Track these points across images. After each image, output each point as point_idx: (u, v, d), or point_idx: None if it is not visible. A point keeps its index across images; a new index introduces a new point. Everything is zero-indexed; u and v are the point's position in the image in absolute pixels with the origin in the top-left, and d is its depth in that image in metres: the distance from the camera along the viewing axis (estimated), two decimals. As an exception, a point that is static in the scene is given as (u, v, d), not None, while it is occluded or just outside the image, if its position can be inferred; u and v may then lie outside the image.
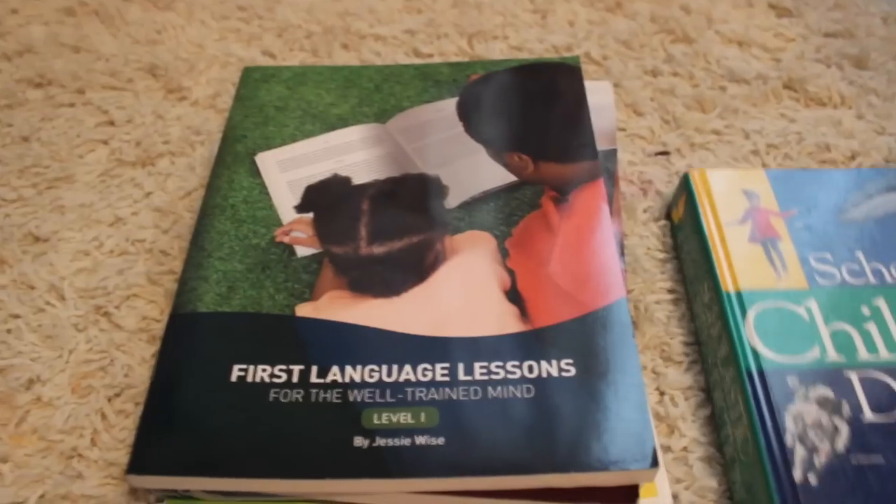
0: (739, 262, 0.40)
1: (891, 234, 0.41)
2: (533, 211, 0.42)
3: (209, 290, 0.39)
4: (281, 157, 0.45)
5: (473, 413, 0.34)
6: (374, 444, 0.33)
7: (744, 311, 0.38)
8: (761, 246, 0.41)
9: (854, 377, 0.36)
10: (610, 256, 0.39)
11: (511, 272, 0.39)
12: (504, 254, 0.40)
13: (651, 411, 0.39)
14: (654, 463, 0.32)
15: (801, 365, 0.36)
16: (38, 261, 0.46)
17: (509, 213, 0.42)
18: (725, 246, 0.41)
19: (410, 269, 0.39)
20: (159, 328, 0.43)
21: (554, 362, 0.35)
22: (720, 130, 0.53)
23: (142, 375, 0.41)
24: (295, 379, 0.35)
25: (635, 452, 0.32)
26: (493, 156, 0.45)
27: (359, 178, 0.44)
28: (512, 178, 0.43)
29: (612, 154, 0.48)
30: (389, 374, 0.35)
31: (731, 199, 0.43)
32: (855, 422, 0.34)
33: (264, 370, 0.36)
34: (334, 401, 0.35)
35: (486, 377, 0.35)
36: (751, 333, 0.37)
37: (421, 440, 0.33)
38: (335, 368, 0.36)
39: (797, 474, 0.33)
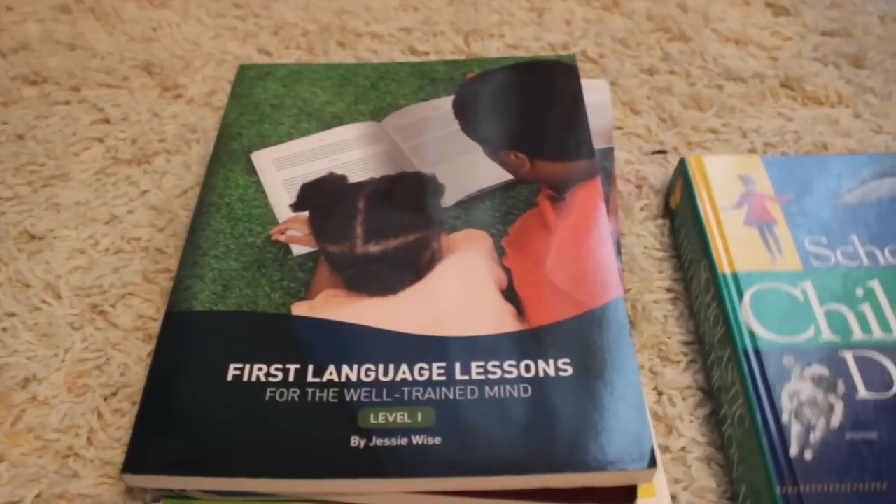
0: (735, 245, 0.41)
1: (885, 219, 0.42)
2: (529, 209, 0.42)
3: (205, 288, 0.39)
4: (277, 156, 0.45)
5: (470, 413, 0.34)
6: (371, 444, 0.33)
7: (740, 293, 0.39)
8: (757, 229, 0.42)
9: (849, 356, 0.36)
10: (607, 255, 0.39)
11: (508, 271, 0.39)
12: (500, 252, 0.40)
13: (649, 411, 0.39)
14: (652, 463, 0.32)
15: (797, 344, 0.37)
16: (34, 259, 0.46)
17: (506, 212, 0.42)
18: (721, 229, 0.42)
19: (406, 267, 0.39)
20: (155, 327, 0.43)
21: (551, 362, 0.35)
22: (717, 129, 0.53)
23: (138, 374, 0.41)
24: (291, 378, 0.35)
25: (633, 452, 0.32)
26: (489, 154, 0.45)
27: (355, 177, 0.43)
28: (508, 176, 0.43)
29: (608, 152, 0.48)
30: (386, 374, 0.35)
31: (727, 183, 0.44)
32: (849, 399, 0.35)
33: (260, 369, 0.36)
34: (331, 400, 0.34)
35: (482, 377, 0.35)
36: (747, 314, 0.38)
37: (417, 440, 0.33)
38: (331, 367, 0.36)
39: (793, 450, 0.34)
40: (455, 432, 0.33)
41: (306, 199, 0.42)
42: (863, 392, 0.35)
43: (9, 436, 0.39)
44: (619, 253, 0.43)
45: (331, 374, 0.35)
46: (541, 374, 0.35)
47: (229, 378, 0.35)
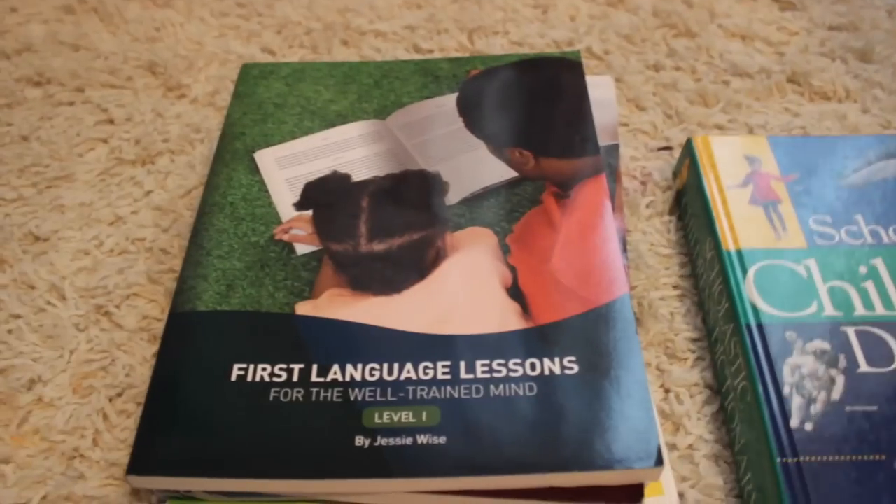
0: (740, 223, 0.41)
1: (890, 199, 0.43)
2: (534, 207, 0.41)
3: (208, 288, 0.39)
4: (280, 154, 0.45)
5: (475, 412, 0.34)
6: (376, 444, 0.33)
7: (744, 269, 0.40)
8: (762, 208, 0.42)
9: (850, 332, 0.37)
10: (612, 252, 0.39)
11: (512, 269, 0.39)
12: (505, 250, 0.39)
13: (656, 409, 0.39)
14: (659, 461, 0.32)
15: (800, 319, 0.38)
16: (39, 260, 0.46)
17: (510, 209, 0.41)
18: (727, 207, 0.42)
19: (411, 266, 0.39)
20: (160, 327, 0.43)
21: (556, 360, 0.35)
22: (723, 125, 0.52)
23: (143, 375, 0.41)
24: (295, 378, 0.35)
25: (639, 451, 0.32)
26: (493, 151, 0.44)
27: (358, 175, 0.43)
28: (513, 173, 0.43)
29: (614, 149, 0.48)
30: (390, 373, 0.35)
31: (732, 163, 0.44)
32: (850, 373, 0.36)
33: (264, 369, 0.36)
34: (335, 400, 0.34)
35: (487, 375, 0.35)
36: (750, 290, 0.39)
37: (422, 439, 0.33)
38: (336, 367, 0.35)
39: (794, 422, 0.34)
40: (460, 431, 0.33)
41: (310, 198, 0.42)
42: (864, 366, 0.36)
43: (15, 437, 0.39)
44: (624, 250, 0.43)
45: (335, 373, 0.35)
46: (546, 372, 0.35)
47: (233, 378, 0.35)
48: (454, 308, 0.37)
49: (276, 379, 0.35)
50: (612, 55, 0.57)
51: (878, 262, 0.40)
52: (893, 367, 0.36)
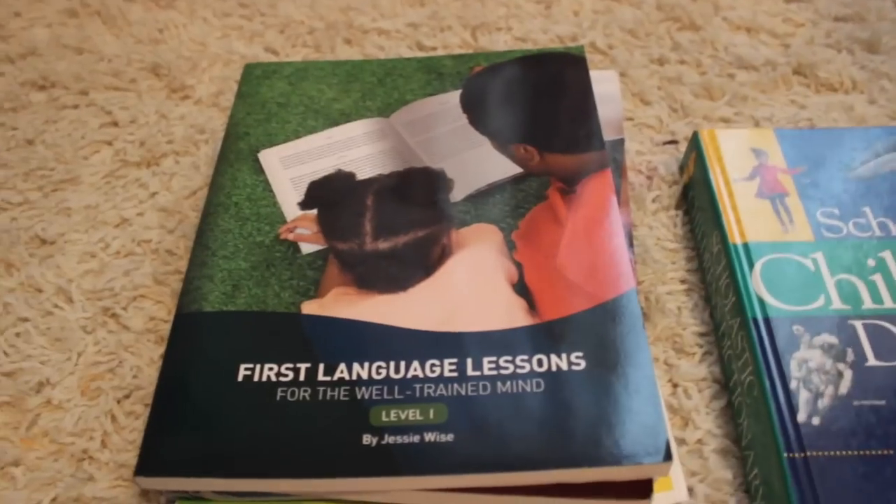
0: (747, 216, 0.41)
1: None
2: (539, 203, 0.41)
3: (214, 289, 0.39)
4: (284, 154, 0.45)
5: (483, 408, 0.33)
6: (383, 442, 0.33)
7: (751, 262, 0.39)
8: (769, 201, 0.42)
9: (858, 325, 0.37)
10: (619, 247, 0.39)
11: (518, 265, 0.39)
12: (511, 246, 0.39)
13: (664, 404, 0.39)
14: (668, 456, 0.32)
15: (807, 313, 0.37)
16: (45, 263, 0.46)
17: (516, 206, 0.41)
18: (733, 200, 0.42)
19: (416, 263, 0.39)
20: (167, 328, 0.43)
21: (564, 356, 0.35)
22: (729, 118, 0.52)
23: (150, 376, 0.41)
24: (302, 377, 0.35)
25: (648, 446, 0.32)
26: (498, 148, 0.44)
27: (363, 174, 0.43)
28: (518, 169, 0.43)
29: (619, 144, 0.47)
30: (397, 371, 0.35)
31: (739, 156, 0.44)
32: (858, 367, 0.35)
33: (271, 369, 0.35)
34: (342, 399, 0.34)
35: (494, 372, 0.35)
36: (757, 283, 0.38)
37: (430, 437, 0.33)
38: (342, 366, 0.35)
39: (801, 416, 0.34)
40: (468, 428, 0.33)
41: (314, 197, 0.42)
42: (872, 360, 0.36)
43: (24, 440, 0.39)
44: (631, 245, 0.43)
45: (342, 372, 0.35)
46: (553, 368, 0.35)
47: (240, 378, 0.35)
48: (460, 305, 0.37)
49: (282, 378, 0.35)
50: (617, 50, 0.57)
51: (887, 255, 0.39)
52: None
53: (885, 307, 0.37)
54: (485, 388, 0.34)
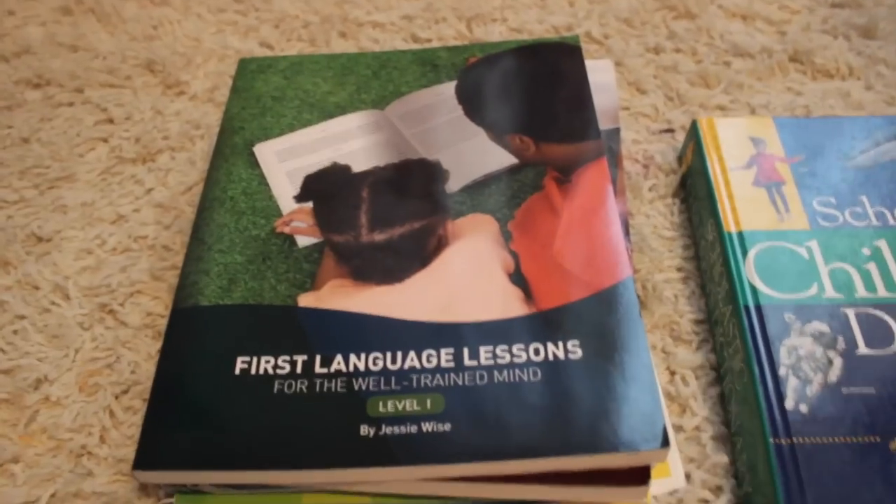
0: (742, 205, 0.41)
1: None
2: (535, 192, 0.41)
3: (210, 283, 0.39)
4: (279, 148, 0.45)
5: (480, 398, 0.33)
6: (381, 433, 0.33)
7: (744, 250, 0.39)
8: (765, 189, 0.42)
9: (850, 313, 0.37)
10: (615, 235, 0.38)
11: (515, 255, 0.38)
12: (507, 236, 0.39)
13: (662, 391, 0.39)
14: (665, 443, 0.32)
15: (799, 301, 0.37)
16: (42, 261, 0.46)
17: (511, 196, 0.41)
18: (730, 189, 0.42)
19: (412, 255, 0.39)
20: (164, 324, 0.43)
21: (560, 344, 0.35)
22: (725, 106, 0.52)
23: (148, 371, 0.41)
24: (299, 369, 0.35)
25: (645, 433, 0.32)
26: (493, 138, 0.44)
27: (358, 166, 0.43)
28: (513, 160, 0.43)
29: (615, 133, 0.47)
30: (394, 362, 0.35)
31: (737, 145, 0.44)
32: (848, 355, 0.36)
33: (268, 362, 0.35)
34: (339, 390, 0.34)
35: (491, 361, 0.35)
36: (750, 271, 0.38)
37: (427, 427, 0.33)
38: (339, 357, 0.35)
39: (788, 403, 0.34)
40: (465, 418, 0.33)
41: (310, 190, 0.42)
42: (863, 348, 0.36)
43: (23, 437, 0.39)
44: (627, 233, 0.43)
45: (338, 364, 0.35)
46: (550, 357, 0.35)
47: (237, 372, 0.35)
48: (457, 296, 0.37)
49: (279, 371, 0.35)
50: (612, 39, 0.57)
51: (882, 244, 0.39)
52: (893, 348, 0.36)
53: (878, 296, 0.37)
54: (482, 377, 0.34)
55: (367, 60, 0.50)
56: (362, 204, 0.41)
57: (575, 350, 0.35)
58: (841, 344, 0.36)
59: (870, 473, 0.32)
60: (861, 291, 0.38)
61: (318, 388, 0.34)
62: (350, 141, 0.45)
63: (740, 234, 0.40)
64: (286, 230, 0.41)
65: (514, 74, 0.47)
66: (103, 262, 0.46)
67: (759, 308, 0.37)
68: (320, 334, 0.36)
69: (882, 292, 0.38)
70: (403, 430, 0.33)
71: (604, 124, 0.48)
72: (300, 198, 0.42)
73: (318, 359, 0.35)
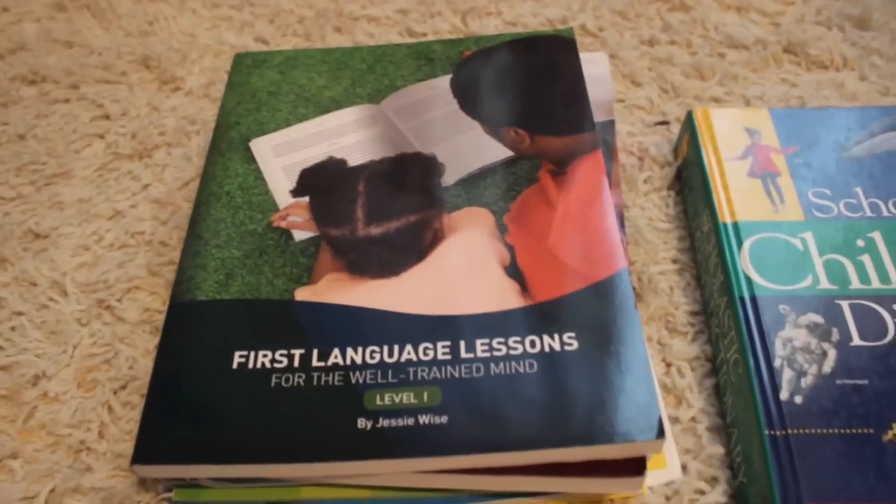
0: (737, 195, 0.41)
1: (891, 171, 0.42)
2: (531, 185, 0.41)
3: (207, 277, 0.39)
4: (275, 142, 0.45)
5: (476, 390, 0.34)
6: (378, 425, 0.33)
7: (740, 241, 0.39)
8: (760, 180, 0.42)
9: (845, 305, 0.37)
10: (610, 228, 0.39)
11: (510, 247, 0.39)
12: (503, 229, 0.39)
13: (658, 383, 0.39)
14: (661, 434, 0.32)
15: (794, 292, 0.37)
16: (39, 257, 0.46)
17: (507, 189, 0.41)
18: (725, 180, 0.42)
19: (409, 248, 0.39)
20: (161, 319, 0.43)
21: (556, 336, 0.35)
22: (720, 97, 0.52)
23: (146, 367, 0.41)
24: (296, 363, 0.35)
25: (641, 424, 0.32)
26: (489, 131, 0.44)
27: (354, 160, 0.43)
28: (509, 153, 0.43)
29: (609, 125, 0.47)
30: (391, 355, 0.35)
31: (732, 136, 0.44)
32: (843, 347, 0.36)
33: (265, 356, 0.36)
34: (336, 383, 0.34)
35: (487, 354, 0.35)
36: (745, 262, 0.39)
37: (424, 419, 0.33)
38: (336, 351, 0.35)
39: (783, 394, 0.34)
40: (461, 411, 0.33)
41: (306, 185, 0.42)
42: (857, 340, 0.36)
43: (21, 433, 0.39)
44: (622, 226, 0.43)
45: (336, 357, 0.35)
46: (546, 349, 0.35)
47: (235, 366, 0.35)
48: (453, 289, 0.37)
49: (277, 365, 0.35)
50: (607, 31, 0.57)
51: (876, 236, 0.39)
52: (886, 340, 0.36)
53: (872, 287, 0.38)
54: (478, 370, 0.34)
55: (363, 55, 0.50)
56: (358, 198, 0.41)
57: (571, 342, 0.35)
58: (835, 335, 0.36)
59: (863, 465, 0.32)
60: (855, 283, 0.38)
61: (315, 382, 0.35)
62: (346, 135, 0.45)
63: (735, 225, 0.40)
64: (283, 224, 0.41)
65: (508, 68, 0.47)
66: (100, 258, 0.46)
67: (754, 299, 0.37)
68: (317, 328, 0.36)
69: (876, 284, 0.38)
70: (401, 422, 0.33)
71: (598, 117, 0.48)
72: (296, 192, 0.42)
73: (315, 352, 0.36)
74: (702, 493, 0.36)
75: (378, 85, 0.48)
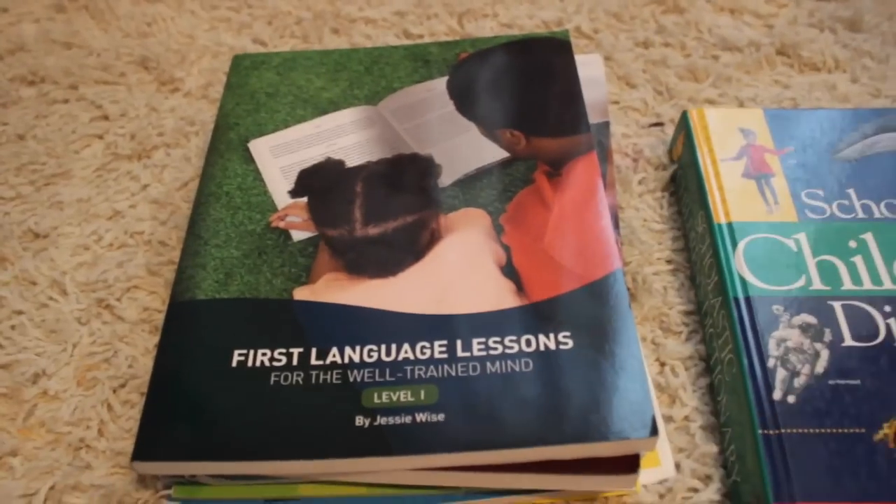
0: (732, 196, 0.42)
1: (883, 173, 0.43)
2: (526, 186, 0.42)
3: (207, 277, 0.39)
4: (273, 143, 0.45)
5: (473, 389, 0.34)
6: (375, 423, 0.33)
7: (734, 242, 0.40)
8: (754, 181, 0.42)
9: (837, 305, 0.37)
10: (605, 228, 0.39)
11: (506, 248, 0.39)
12: (499, 230, 0.40)
13: (652, 382, 0.39)
14: (654, 431, 0.32)
15: (787, 293, 0.38)
16: (39, 257, 0.46)
17: (503, 190, 0.42)
18: (720, 180, 0.42)
19: (406, 248, 0.39)
20: (161, 318, 0.43)
21: (552, 335, 0.36)
22: (714, 99, 0.52)
23: (146, 366, 0.41)
24: (295, 362, 0.36)
25: (634, 422, 0.32)
26: (485, 133, 0.45)
27: (352, 161, 0.44)
28: (505, 154, 0.43)
29: (604, 127, 0.48)
30: (388, 354, 0.36)
31: (727, 136, 0.45)
32: (835, 347, 0.36)
33: (264, 354, 0.36)
34: (334, 382, 0.35)
35: (484, 353, 0.35)
36: (740, 263, 0.39)
37: (421, 417, 0.33)
38: (334, 350, 0.36)
39: (777, 394, 0.35)
40: (458, 408, 0.33)
41: (304, 185, 0.43)
42: (848, 340, 0.36)
43: (21, 430, 0.40)
44: (616, 226, 0.43)
45: (334, 356, 0.36)
46: (542, 347, 0.35)
47: (234, 364, 0.36)
48: (450, 288, 0.38)
49: (276, 363, 0.36)
50: (602, 34, 0.57)
51: (868, 237, 0.40)
52: (878, 341, 0.36)
53: (864, 288, 0.38)
54: (474, 368, 0.35)
55: (360, 56, 0.50)
56: (356, 198, 0.41)
57: (566, 341, 0.35)
58: (828, 336, 0.36)
59: (854, 463, 0.33)
60: (847, 284, 0.38)
61: (313, 380, 0.35)
62: (343, 136, 0.45)
63: (730, 225, 0.40)
64: (281, 225, 0.41)
65: (504, 69, 0.48)
66: (100, 257, 0.46)
67: (748, 300, 0.38)
68: (316, 327, 0.37)
69: (868, 285, 0.38)
70: (398, 420, 0.33)
71: (593, 118, 0.48)
72: (295, 193, 0.42)
73: (313, 351, 0.36)
74: (695, 490, 0.36)
75: (375, 86, 0.48)
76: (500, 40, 0.50)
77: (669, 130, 0.51)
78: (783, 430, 0.34)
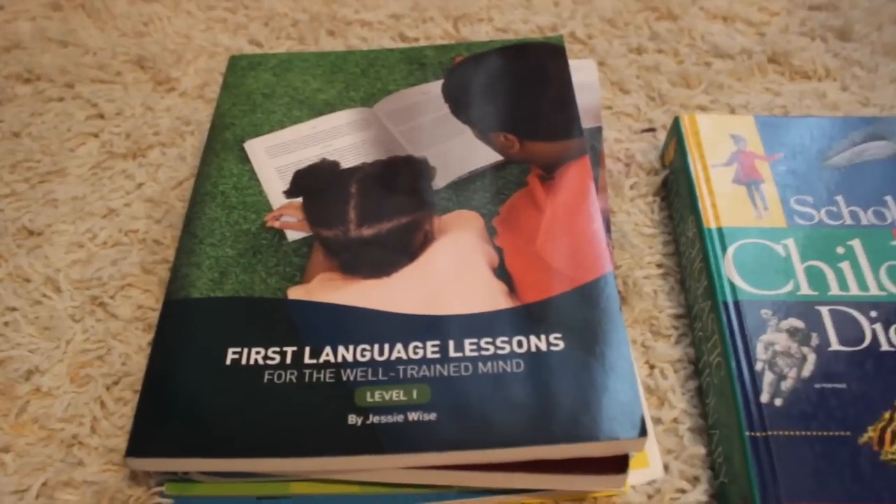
0: (722, 201, 0.42)
1: (871, 180, 0.43)
2: (519, 189, 0.42)
3: (202, 275, 0.39)
4: (269, 144, 0.45)
5: (464, 388, 0.34)
6: (368, 422, 0.34)
7: (724, 247, 0.40)
8: (744, 187, 0.43)
9: (824, 310, 0.38)
10: (596, 232, 0.40)
11: (499, 250, 0.39)
12: (492, 232, 0.40)
13: (641, 384, 0.40)
14: (643, 432, 0.33)
15: (776, 297, 0.38)
16: (33, 254, 0.47)
17: (496, 192, 0.42)
18: (710, 186, 0.43)
19: (400, 249, 0.40)
20: (155, 316, 0.43)
21: (543, 337, 0.36)
22: (706, 105, 0.53)
23: (139, 363, 0.42)
24: (288, 360, 0.36)
25: (624, 422, 0.33)
26: (479, 136, 0.45)
27: (347, 162, 0.44)
28: (498, 157, 0.44)
29: (597, 132, 0.48)
30: (381, 353, 0.36)
31: (718, 142, 0.45)
32: (822, 351, 0.37)
33: (258, 353, 0.36)
34: (328, 380, 0.35)
35: (476, 353, 0.36)
36: (729, 267, 0.39)
37: (413, 416, 0.34)
38: (328, 349, 0.36)
39: (764, 397, 0.35)
40: (450, 408, 0.34)
41: (299, 186, 0.43)
42: (835, 345, 0.37)
43: (14, 427, 0.40)
44: (608, 230, 0.44)
45: (327, 355, 0.36)
46: (533, 349, 0.36)
47: (228, 362, 0.36)
48: (442, 289, 0.38)
49: (269, 362, 0.36)
50: (596, 39, 0.58)
51: (856, 243, 0.40)
52: (863, 346, 0.37)
53: (850, 294, 0.38)
54: (466, 368, 0.35)
55: (356, 58, 0.51)
56: (351, 199, 0.42)
57: (557, 342, 0.36)
58: (814, 340, 0.37)
59: (839, 466, 0.33)
60: (834, 289, 0.39)
61: (307, 379, 0.35)
62: (339, 138, 0.45)
63: (720, 231, 0.41)
64: (276, 224, 0.41)
65: (499, 74, 0.48)
66: (94, 255, 0.46)
67: (737, 304, 0.38)
68: (310, 326, 0.37)
69: (854, 290, 0.39)
70: (390, 419, 0.34)
71: (586, 123, 0.49)
72: (290, 193, 0.43)
73: (307, 350, 0.36)
74: (683, 492, 0.37)
75: (371, 89, 0.48)
76: (495, 45, 0.51)
77: (661, 136, 0.51)
78: (770, 433, 0.34)
